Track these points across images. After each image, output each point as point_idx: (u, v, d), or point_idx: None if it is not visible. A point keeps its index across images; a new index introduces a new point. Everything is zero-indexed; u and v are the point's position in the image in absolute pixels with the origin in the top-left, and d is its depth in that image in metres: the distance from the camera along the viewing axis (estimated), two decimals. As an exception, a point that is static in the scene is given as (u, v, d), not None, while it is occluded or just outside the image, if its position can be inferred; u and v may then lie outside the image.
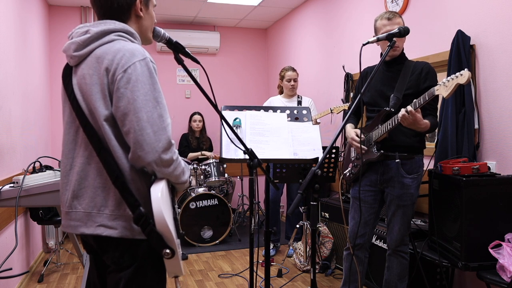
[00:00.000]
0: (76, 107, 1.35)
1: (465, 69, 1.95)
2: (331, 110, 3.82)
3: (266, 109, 2.36)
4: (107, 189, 1.34)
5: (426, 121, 2.19)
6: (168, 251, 1.28)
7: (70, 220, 1.39)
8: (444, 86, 2.01)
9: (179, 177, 1.39)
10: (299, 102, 4.22)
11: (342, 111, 3.83)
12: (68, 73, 1.42)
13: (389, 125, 2.27)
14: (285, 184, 4.35)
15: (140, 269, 1.37)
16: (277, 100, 4.26)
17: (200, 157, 5.20)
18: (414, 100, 2.14)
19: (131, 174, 1.32)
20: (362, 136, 2.45)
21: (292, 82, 4.15)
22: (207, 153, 5.24)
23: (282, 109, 2.38)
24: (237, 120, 2.21)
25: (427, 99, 2.08)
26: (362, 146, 2.44)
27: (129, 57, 1.31)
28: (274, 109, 2.38)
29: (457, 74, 1.96)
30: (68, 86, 1.39)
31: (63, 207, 1.42)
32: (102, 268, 1.46)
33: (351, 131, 2.50)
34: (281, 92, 4.34)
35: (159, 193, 1.27)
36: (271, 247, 4.28)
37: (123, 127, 1.29)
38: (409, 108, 2.11)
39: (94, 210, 1.34)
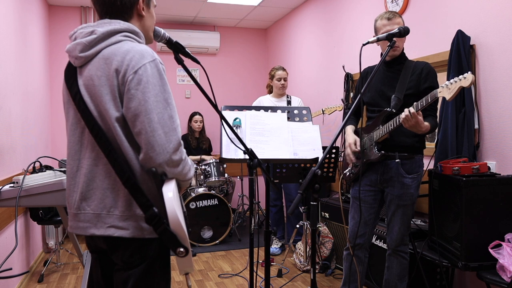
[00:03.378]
0: (83, 108, 1.34)
1: (469, 72, 1.95)
2: (322, 111, 3.83)
3: (266, 109, 2.36)
4: (116, 190, 1.34)
5: (426, 123, 2.19)
6: (182, 249, 1.30)
7: (78, 221, 1.39)
8: (447, 88, 2.01)
9: (186, 175, 1.40)
10: (289, 102, 4.23)
11: (334, 112, 3.83)
12: (71, 74, 1.40)
13: (391, 125, 2.27)
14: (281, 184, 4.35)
15: (150, 268, 1.38)
16: (267, 100, 4.26)
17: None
18: (416, 102, 2.13)
19: (142, 175, 1.33)
20: (358, 144, 2.46)
21: (282, 81, 4.15)
22: (207, 157, 5.23)
23: (282, 109, 2.38)
24: (237, 120, 2.21)
25: (429, 101, 2.07)
26: (351, 157, 2.46)
27: (139, 58, 1.31)
28: (274, 109, 2.38)
29: (461, 77, 1.96)
30: (72, 87, 1.37)
31: (71, 208, 1.42)
32: (107, 267, 1.46)
33: (351, 137, 2.50)
34: (270, 92, 4.35)
35: (170, 193, 1.28)
36: (278, 245, 4.29)
37: (134, 128, 1.29)
38: (411, 109, 2.11)
39: (103, 211, 1.35)
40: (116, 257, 1.39)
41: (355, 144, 2.46)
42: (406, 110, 2.13)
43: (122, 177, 1.30)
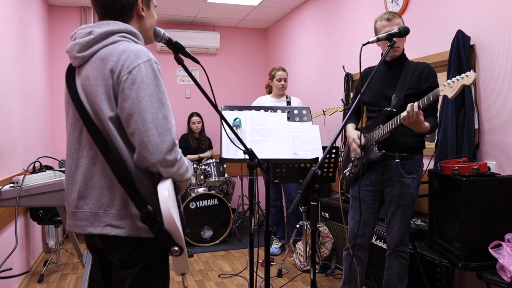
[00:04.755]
0: (80, 107, 1.35)
1: (471, 70, 1.95)
2: (323, 112, 3.83)
3: (266, 109, 2.36)
4: (113, 189, 1.35)
5: (427, 123, 2.19)
6: (176, 248, 1.30)
7: (76, 220, 1.40)
8: (449, 87, 2.00)
9: (183, 175, 1.40)
10: (288, 102, 4.23)
11: (335, 112, 3.83)
12: (71, 74, 1.41)
13: (391, 125, 2.27)
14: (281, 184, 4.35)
15: (147, 268, 1.38)
16: (266, 100, 4.26)
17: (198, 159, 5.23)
18: (418, 101, 2.13)
19: (137, 174, 1.34)
20: (363, 138, 2.45)
21: (283, 82, 4.16)
22: (205, 155, 5.25)
23: (282, 109, 2.38)
24: (237, 120, 2.21)
25: (431, 99, 2.07)
26: (358, 151, 2.44)
27: (133, 58, 1.31)
28: (274, 109, 2.38)
29: (463, 75, 1.96)
30: (71, 87, 1.39)
31: (69, 207, 1.43)
32: (106, 266, 1.47)
33: (354, 132, 2.49)
34: (269, 92, 4.35)
35: (166, 191, 1.29)
36: (278, 245, 4.29)
37: (128, 128, 1.30)
38: (415, 105, 2.10)
39: (100, 210, 1.35)
40: (114, 257, 1.40)
41: (359, 138, 2.45)
42: (409, 105, 2.11)
43: (118, 176, 1.31)
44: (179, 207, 1.42)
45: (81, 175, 1.38)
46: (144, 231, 1.34)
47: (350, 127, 2.59)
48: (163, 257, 1.44)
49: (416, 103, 2.11)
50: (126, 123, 1.30)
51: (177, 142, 1.35)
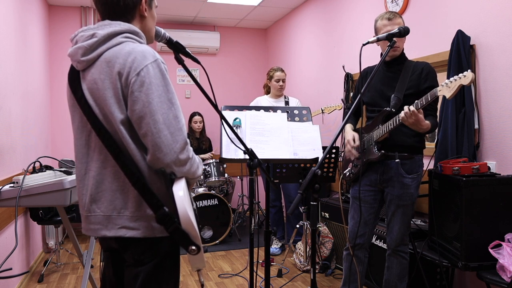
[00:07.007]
0: (88, 112, 1.35)
1: (468, 70, 1.95)
2: (322, 110, 3.83)
3: (266, 109, 2.36)
4: (125, 191, 1.35)
5: (427, 121, 2.19)
6: (194, 247, 1.30)
7: (90, 223, 1.41)
8: (447, 87, 2.01)
9: (195, 173, 1.42)
10: (286, 103, 4.24)
11: (334, 111, 3.83)
12: (75, 77, 1.40)
13: (390, 125, 2.27)
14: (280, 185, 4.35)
15: (160, 265, 1.40)
16: (264, 100, 4.26)
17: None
18: (416, 100, 2.13)
19: (150, 175, 1.34)
20: (357, 139, 2.45)
21: (281, 83, 4.17)
22: (205, 156, 5.24)
23: (283, 109, 2.38)
24: (237, 120, 2.21)
25: (429, 99, 2.08)
26: (353, 152, 2.44)
27: (141, 59, 1.31)
28: (274, 109, 2.38)
29: (460, 75, 1.96)
30: (77, 91, 1.38)
31: (82, 210, 1.44)
32: (118, 264, 1.48)
33: (349, 133, 2.50)
34: (267, 92, 4.35)
35: (181, 191, 1.29)
36: (278, 245, 4.29)
37: (140, 130, 1.30)
38: (411, 108, 2.11)
39: (114, 213, 1.36)
40: (128, 255, 1.41)
41: (354, 140, 2.45)
42: (405, 107, 2.13)
43: (132, 179, 1.31)
44: (192, 204, 1.43)
45: (92, 179, 1.39)
46: (159, 231, 1.36)
47: (348, 127, 2.59)
48: (176, 256, 1.46)
49: (414, 104, 2.12)
50: (137, 125, 1.30)
51: (188, 140, 1.35)
